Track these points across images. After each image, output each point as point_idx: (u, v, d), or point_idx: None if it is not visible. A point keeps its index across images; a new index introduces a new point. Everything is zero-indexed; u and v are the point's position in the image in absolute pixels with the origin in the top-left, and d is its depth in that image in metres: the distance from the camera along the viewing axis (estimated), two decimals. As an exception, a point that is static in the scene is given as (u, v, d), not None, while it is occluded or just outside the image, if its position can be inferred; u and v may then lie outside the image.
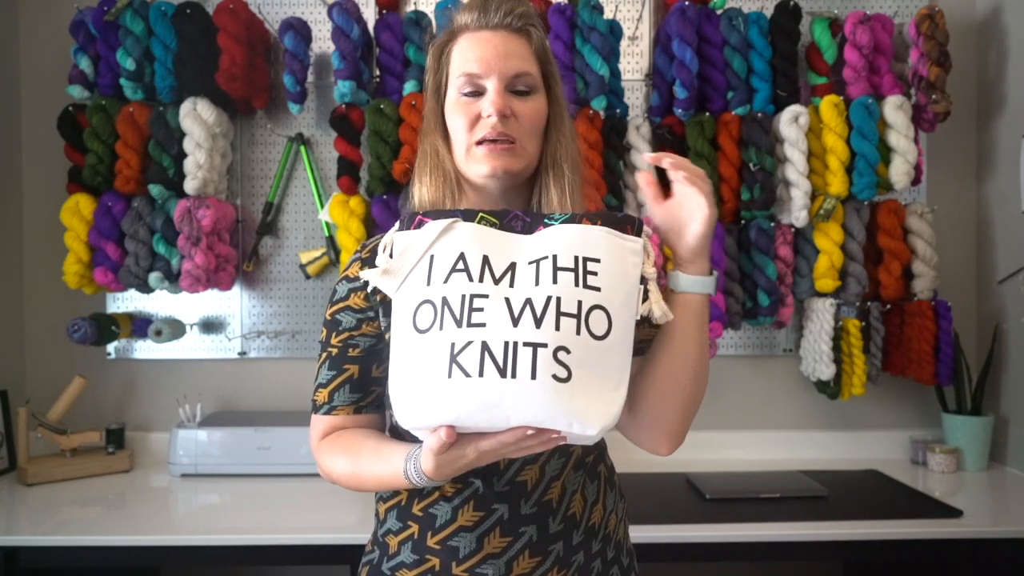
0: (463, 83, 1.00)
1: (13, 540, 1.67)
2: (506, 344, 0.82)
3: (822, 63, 2.18)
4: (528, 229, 0.92)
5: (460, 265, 0.87)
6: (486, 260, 0.88)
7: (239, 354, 2.35)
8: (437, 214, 0.92)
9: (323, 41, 2.31)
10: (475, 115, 0.99)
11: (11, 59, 2.31)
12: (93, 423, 2.29)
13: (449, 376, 0.82)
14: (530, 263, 0.89)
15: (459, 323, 0.84)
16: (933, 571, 1.97)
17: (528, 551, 1.01)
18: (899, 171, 2.11)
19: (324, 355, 1.07)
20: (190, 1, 2.11)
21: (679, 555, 1.73)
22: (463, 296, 0.85)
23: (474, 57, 0.99)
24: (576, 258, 0.87)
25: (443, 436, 0.82)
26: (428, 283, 0.88)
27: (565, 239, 0.89)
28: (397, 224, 0.94)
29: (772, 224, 2.18)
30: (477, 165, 1.00)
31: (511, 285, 0.87)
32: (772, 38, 2.15)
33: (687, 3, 2.11)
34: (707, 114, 2.15)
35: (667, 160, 0.96)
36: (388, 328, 1.02)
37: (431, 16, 2.16)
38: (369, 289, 1.03)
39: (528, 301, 0.85)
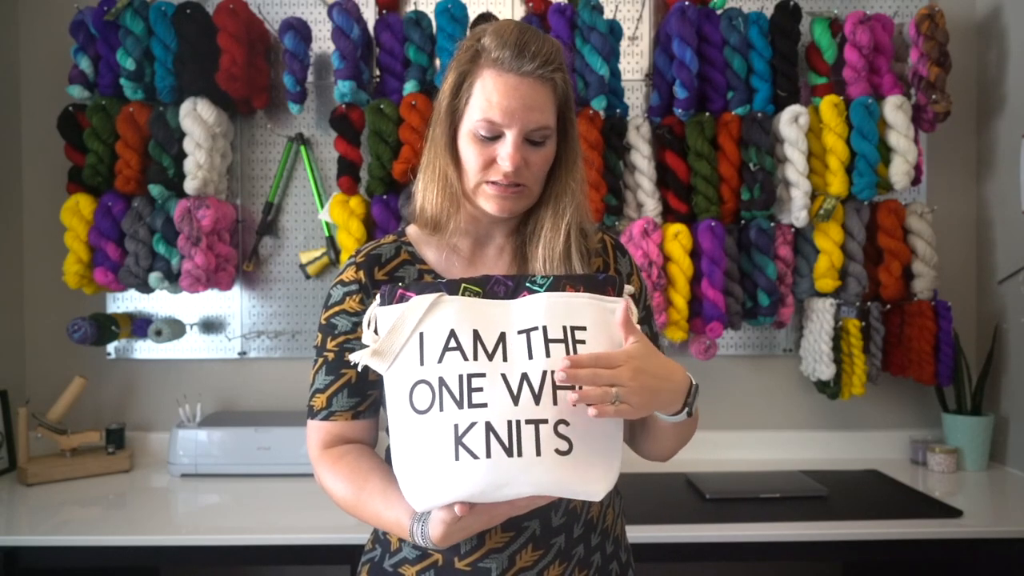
0: (483, 126, 1.00)
1: (13, 540, 1.68)
2: (509, 423, 0.86)
3: (822, 63, 2.18)
4: (512, 294, 0.95)
5: (452, 343, 0.89)
6: (477, 335, 0.90)
7: (239, 354, 2.35)
8: (419, 287, 0.93)
9: (323, 41, 2.31)
10: (490, 158, 1.01)
11: (11, 59, 2.31)
12: (93, 423, 2.29)
13: (456, 459, 0.85)
14: (520, 332, 0.91)
15: (460, 404, 0.87)
16: (933, 571, 1.97)
17: (531, 545, 1.02)
18: (899, 171, 2.11)
19: (320, 360, 1.07)
20: (190, 1, 2.11)
21: (679, 555, 1.73)
22: (460, 376, 0.88)
23: (498, 106, 0.99)
24: (564, 328, 0.90)
25: (457, 512, 0.86)
26: (421, 363, 0.90)
27: (552, 309, 0.92)
28: (378, 298, 0.94)
29: (772, 224, 2.18)
30: (485, 202, 1.04)
31: (504, 359, 0.89)
32: (772, 38, 2.15)
33: (687, 3, 2.11)
34: (707, 114, 2.15)
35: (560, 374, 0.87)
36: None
37: (431, 16, 2.16)
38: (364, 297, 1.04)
39: (524, 376, 0.88)
